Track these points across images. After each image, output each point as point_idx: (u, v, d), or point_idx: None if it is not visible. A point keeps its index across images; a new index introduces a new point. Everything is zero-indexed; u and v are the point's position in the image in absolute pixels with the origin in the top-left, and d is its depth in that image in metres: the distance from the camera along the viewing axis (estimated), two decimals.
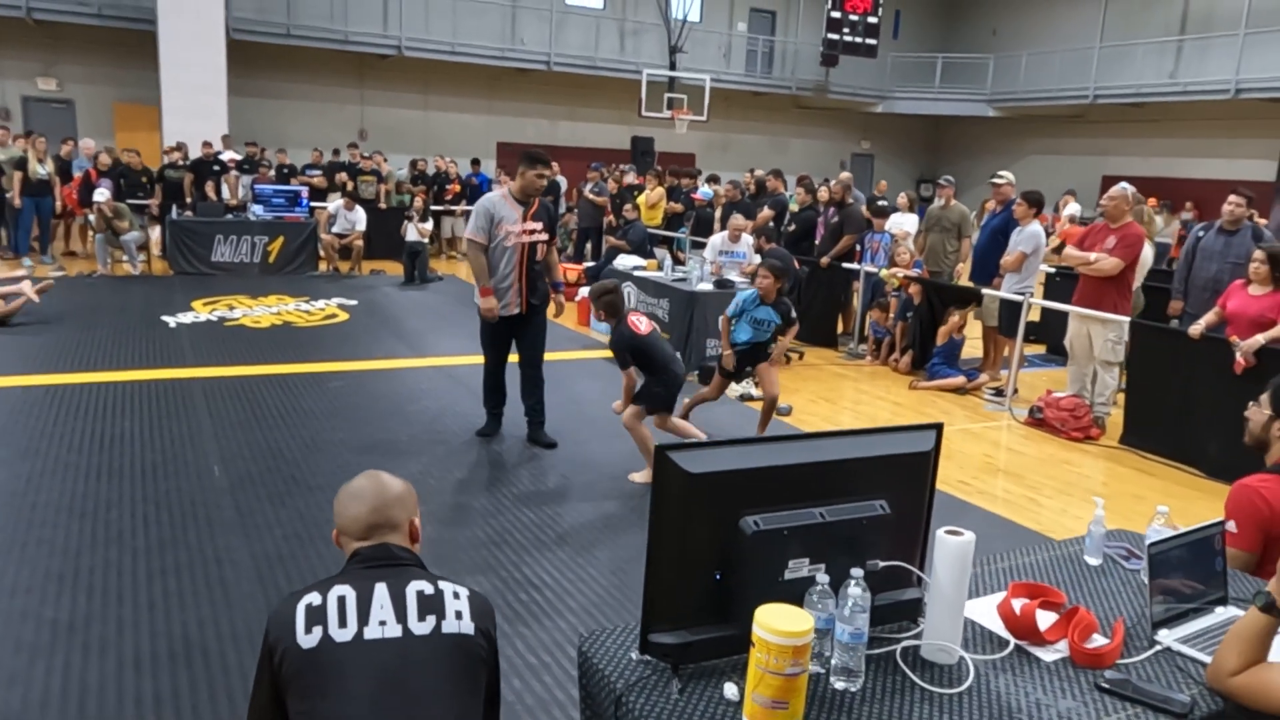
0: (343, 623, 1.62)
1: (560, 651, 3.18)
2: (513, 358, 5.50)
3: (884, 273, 8.51)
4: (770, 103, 22.44)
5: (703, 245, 9.05)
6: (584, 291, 8.79)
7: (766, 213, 9.96)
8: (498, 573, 3.80)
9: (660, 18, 19.97)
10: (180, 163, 12.97)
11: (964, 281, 8.08)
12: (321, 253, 12.17)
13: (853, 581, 1.69)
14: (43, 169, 11.55)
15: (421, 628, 1.65)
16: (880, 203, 9.89)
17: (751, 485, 1.76)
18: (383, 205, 13.89)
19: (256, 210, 11.89)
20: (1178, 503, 4.95)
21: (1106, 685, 1.76)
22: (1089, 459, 5.97)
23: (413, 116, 19.30)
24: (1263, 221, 8.58)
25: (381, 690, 1.58)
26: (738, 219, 8.45)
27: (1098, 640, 1.91)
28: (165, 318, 8.59)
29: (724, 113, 20.81)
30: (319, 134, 17.20)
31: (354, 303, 9.98)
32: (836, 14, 20.03)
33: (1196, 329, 5.73)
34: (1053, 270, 9.16)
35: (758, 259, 7.95)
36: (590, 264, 11.77)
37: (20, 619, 3.24)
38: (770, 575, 1.75)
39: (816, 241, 9.53)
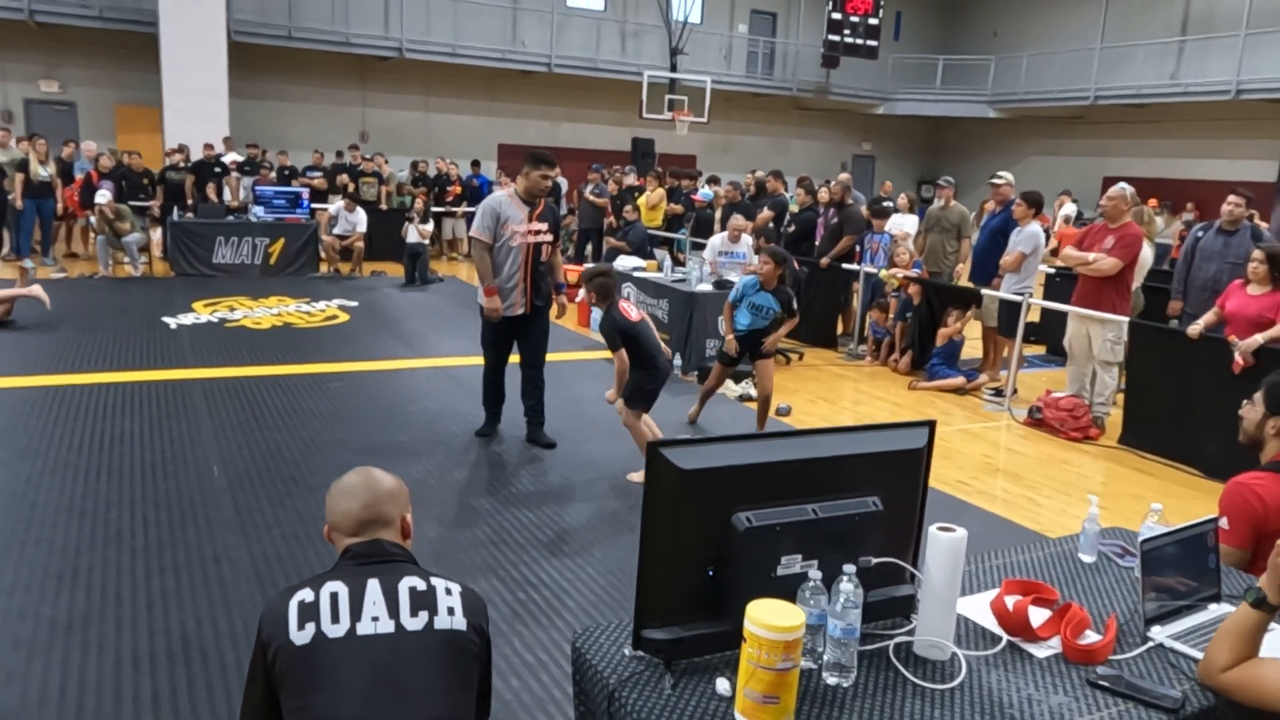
0: (335, 619, 1.63)
1: (558, 650, 3.19)
2: (513, 358, 5.51)
3: (883, 273, 8.52)
4: (771, 104, 22.45)
5: (703, 246, 9.05)
6: (584, 293, 8.80)
7: (766, 213, 9.97)
8: (496, 572, 3.81)
9: (661, 19, 19.99)
10: (181, 165, 13.00)
11: (963, 282, 8.08)
12: (322, 254, 12.20)
13: (845, 577, 1.70)
14: (44, 171, 11.57)
15: (414, 623, 1.66)
16: (885, 203, 9.90)
17: (744, 482, 1.76)
18: (383, 207, 13.92)
19: (257, 212, 11.92)
20: (1176, 502, 4.95)
21: (1098, 681, 1.76)
22: (1088, 459, 5.97)
23: (414, 118, 19.33)
24: (1264, 225, 8.58)
25: (374, 686, 1.59)
26: (738, 219, 8.45)
27: (1090, 636, 1.91)
28: (166, 319, 8.60)
29: (725, 114, 20.83)
30: (320, 136, 17.24)
31: (354, 304, 10.00)
32: (837, 15, 20.05)
33: (1195, 329, 5.73)
34: (1052, 271, 9.17)
35: (757, 260, 7.97)
36: (590, 265, 11.77)
37: (19, 617, 3.25)
38: (763, 571, 1.75)
39: (816, 242, 9.54)
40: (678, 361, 7.54)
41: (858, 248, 9.13)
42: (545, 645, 3.24)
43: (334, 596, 1.65)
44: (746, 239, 8.33)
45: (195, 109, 14.52)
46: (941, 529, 1.82)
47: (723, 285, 7.62)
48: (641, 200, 12.67)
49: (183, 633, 3.21)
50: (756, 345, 5.60)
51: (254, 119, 16.77)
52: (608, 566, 3.91)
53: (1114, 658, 1.87)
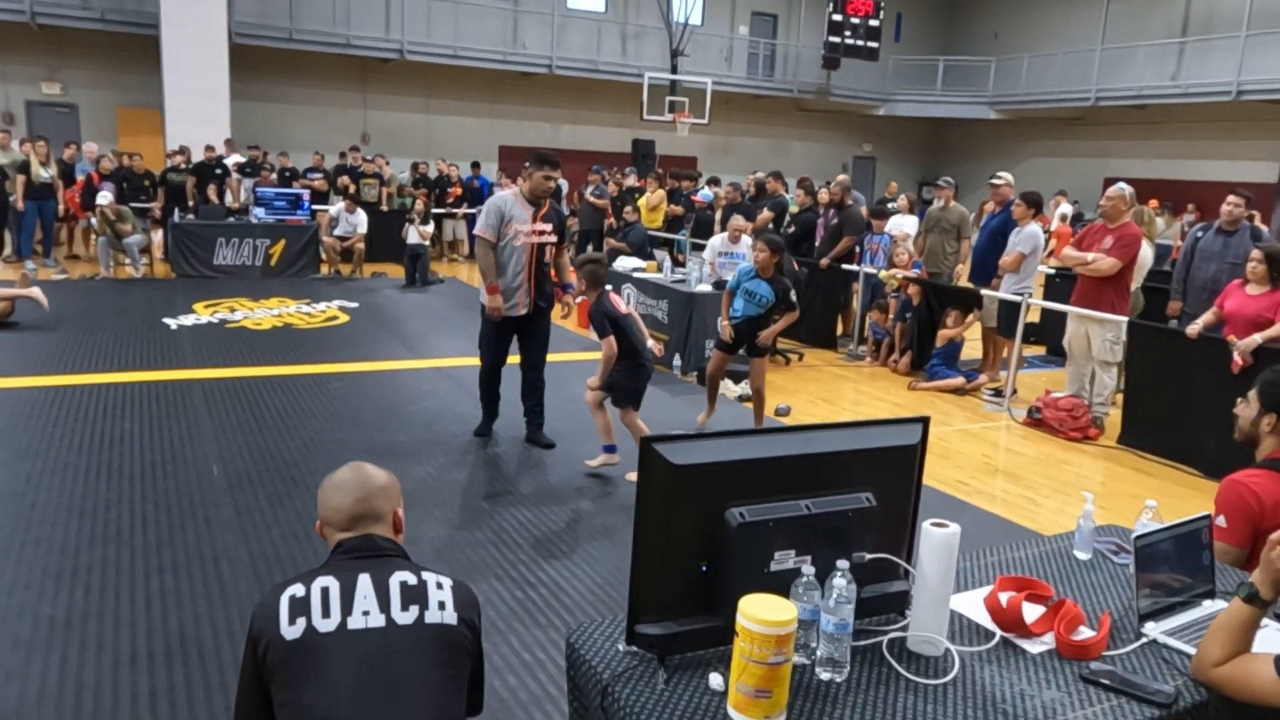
0: (326, 613, 1.63)
1: (555, 648, 3.19)
2: (513, 359, 5.50)
3: (883, 274, 8.52)
4: (772, 106, 22.47)
5: (702, 247, 9.06)
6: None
7: (766, 214, 9.98)
8: (494, 571, 3.82)
9: (662, 21, 20.01)
10: (182, 166, 13.02)
11: (963, 282, 8.08)
12: (323, 255, 12.22)
13: (838, 573, 1.70)
14: (45, 172, 11.60)
15: (405, 617, 1.66)
16: (890, 204, 9.92)
17: (737, 477, 1.76)
18: (384, 208, 13.94)
19: (258, 213, 11.94)
20: (1175, 502, 4.95)
21: (1091, 676, 1.77)
22: (1087, 459, 5.97)
23: (415, 120, 19.36)
24: (1264, 227, 8.59)
25: (365, 680, 1.59)
26: (738, 220, 8.46)
27: (1084, 632, 1.92)
28: (167, 320, 8.62)
29: (725, 116, 20.84)
30: (321, 137, 17.26)
31: (355, 305, 10.01)
32: (838, 17, 20.06)
33: (1194, 329, 5.73)
34: (1052, 271, 9.17)
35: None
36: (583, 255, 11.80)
37: (18, 616, 3.26)
38: (756, 567, 1.76)
39: (816, 243, 9.55)
40: (677, 362, 7.55)
41: (857, 248, 9.13)
42: (542, 643, 3.25)
43: (325, 591, 1.66)
44: (746, 240, 8.33)
45: (196, 111, 14.55)
46: (935, 524, 1.82)
47: (722, 286, 7.61)
48: (642, 201, 12.68)
49: (181, 631, 3.21)
50: (753, 337, 5.59)
51: (255, 121, 16.79)
52: (606, 565, 3.91)
53: (1108, 653, 1.87)
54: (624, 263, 9.29)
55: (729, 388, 7.00)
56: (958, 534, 1.82)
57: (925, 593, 1.84)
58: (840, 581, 1.70)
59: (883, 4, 20.63)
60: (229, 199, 13.13)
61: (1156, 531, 2.05)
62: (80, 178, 12.28)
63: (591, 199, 13.16)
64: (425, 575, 1.74)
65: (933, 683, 1.75)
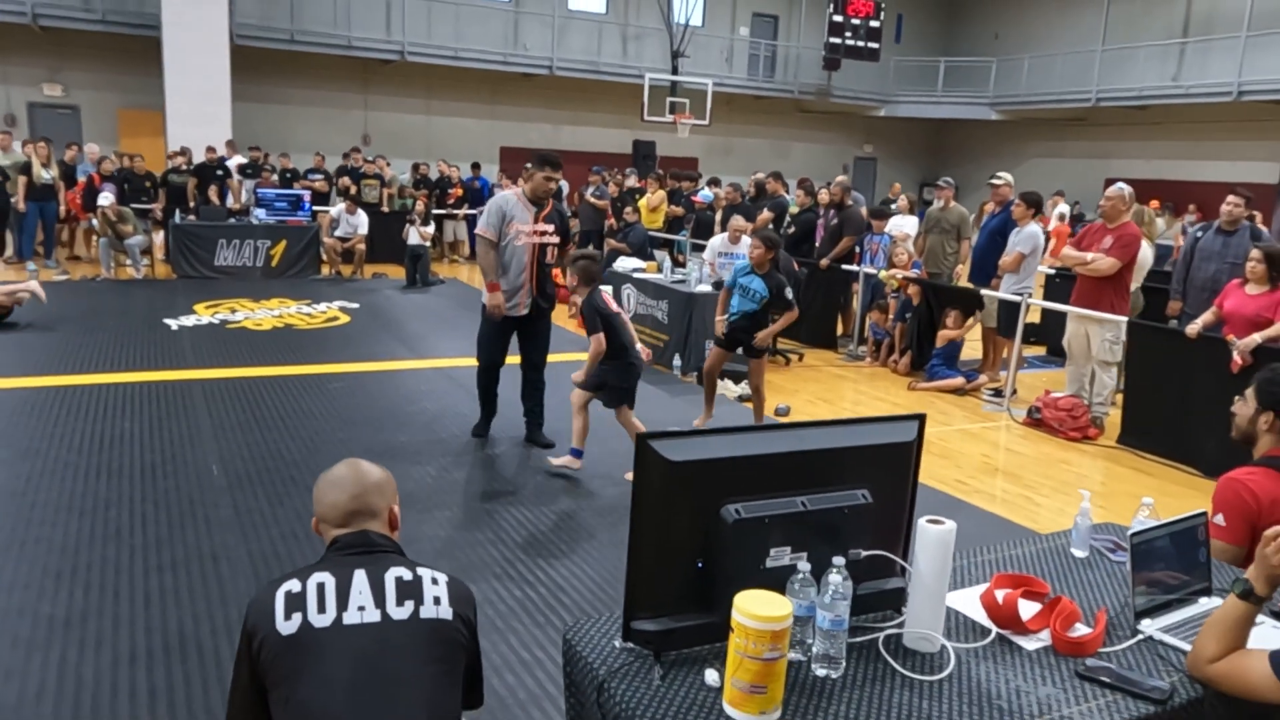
0: (322, 609, 1.64)
1: (553, 646, 3.19)
2: (513, 359, 5.50)
3: (883, 274, 8.52)
4: (772, 107, 22.48)
5: (703, 248, 9.06)
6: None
7: (766, 215, 9.98)
8: (493, 570, 3.82)
9: (662, 22, 20.02)
10: (184, 168, 13.04)
11: (963, 283, 8.08)
12: (324, 256, 12.23)
13: (833, 569, 1.71)
14: (47, 174, 11.61)
15: (400, 613, 1.67)
16: (894, 205, 9.92)
17: (733, 474, 1.77)
18: (385, 209, 13.95)
19: (259, 214, 11.95)
20: (1175, 501, 4.95)
21: (1087, 672, 1.77)
22: (1087, 459, 5.97)
23: (416, 121, 19.38)
24: (1265, 228, 8.59)
25: (360, 674, 1.60)
26: (738, 221, 8.46)
27: (1080, 629, 1.92)
28: (167, 320, 8.63)
29: (726, 117, 20.86)
30: (322, 139, 17.29)
31: (355, 306, 10.02)
32: (838, 18, 20.07)
33: (1194, 328, 5.73)
34: (1052, 271, 9.17)
35: None
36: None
37: (18, 614, 3.26)
38: (752, 563, 1.76)
39: (816, 244, 9.55)
40: (677, 362, 7.55)
41: (858, 249, 9.14)
42: (541, 642, 3.25)
43: (320, 587, 1.66)
44: (746, 240, 8.33)
45: (198, 112, 14.57)
46: (931, 521, 1.83)
47: (721, 286, 7.62)
48: (642, 202, 12.69)
49: (180, 629, 3.22)
50: (750, 335, 5.59)
51: (256, 122, 16.81)
52: (604, 565, 3.91)
53: (1103, 650, 1.87)
54: (624, 263, 9.30)
55: (729, 388, 7.01)
56: (953, 531, 1.82)
57: (921, 589, 1.85)
58: (836, 578, 1.70)
59: (883, 5, 20.65)
60: (230, 200, 13.15)
61: (1152, 529, 2.05)
62: (81, 179, 12.29)
63: (592, 200, 13.17)
64: (420, 571, 1.75)
65: (928, 679, 1.75)
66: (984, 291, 7.65)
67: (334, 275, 12.15)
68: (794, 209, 10.35)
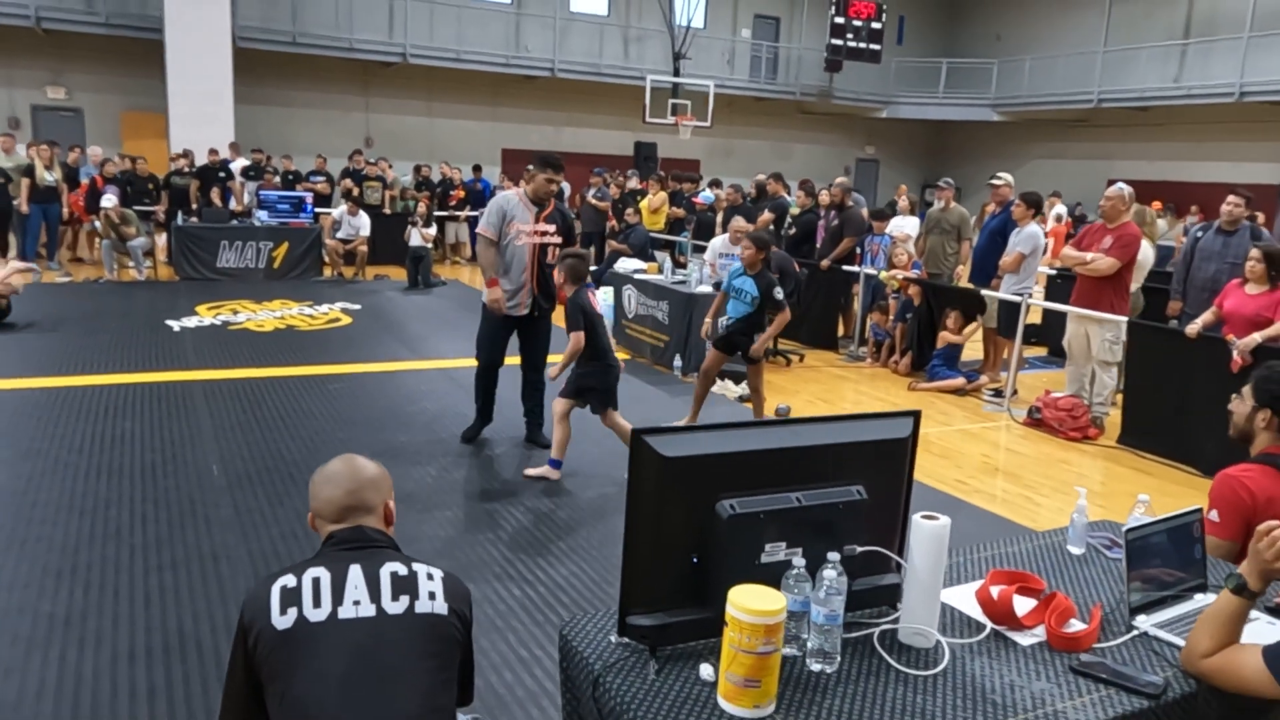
0: (317, 603, 1.65)
1: (552, 645, 3.20)
2: (513, 360, 5.51)
3: (883, 275, 8.53)
4: (774, 108, 22.49)
5: (704, 249, 9.07)
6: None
7: (767, 215, 9.99)
8: (491, 569, 3.83)
9: (664, 24, 20.03)
10: (186, 170, 13.07)
11: (963, 283, 8.08)
12: (326, 258, 12.25)
13: (828, 564, 1.71)
14: (50, 176, 11.64)
15: (395, 607, 1.67)
16: (897, 205, 9.93)
17: (728, 469, 1.78)
18: (387, 211, 13.97)
19: (261, 216, 11.97)
20: (1175, 501, 4.94)
21: (1081, 667, 1.77)
22: (1087, 459, 5.97)
23: (417, 123, 19.40)
24: (1267, 230, 8.58)
25: (355, 668, 1.60)
26: (739, 222, 8.47)
27: (1075, 625, 1.92)
28: (169, 322, 8.65)
29: (728, 119, 20.87)
30: (324, 141, 17.31)
31: (357, 307, 10.04)
32: (840, 20, 20.08)
33: (1193, 328, 5.73)
34: (1053, 272, 9.16)
35: None
36: (593, 268, 11.81)
37: (18, 613, 3.27)
38: (747, 559, 1.77)
39: (817, 245, 9.56)
40: (678, 363, 7.56)
41: (859, 250, 9.14)
42: (539, 640, 3.26)
43: (316, 582, 1.67)
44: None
45: (200, 115, 14.60)
46: (925, 517, 1.83)
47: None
48: (644, 204, 12.70)
49: (180, 628, 3.23)
50: (747, 339, 5.60)
51: (259, 124, 16.84)
52: (603, 564, 3.92)
53: (1098, 646, 1.88)
54: (625, 264, 9.32)
55: (729, 388, 7.01)
56: (948, 526, 1.83)
57: (916, 585, 1.85)
58: (830, 573, 1.71)
59: (885, 7, 20.66)
60: (233, 202, 13.17)
61: (1147, 525, 2.06)
62: (84, 181, 12.33)
63: (593, 201, 13.19)
64: (415, 566, 1.76)
65: (923, 674, 1.75)
66: (984, 292, 7.65)
67: (336, 277, 12.18)
68: (795, 210, 10.36)
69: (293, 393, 6.40)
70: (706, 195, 12.47)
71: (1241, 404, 2.56)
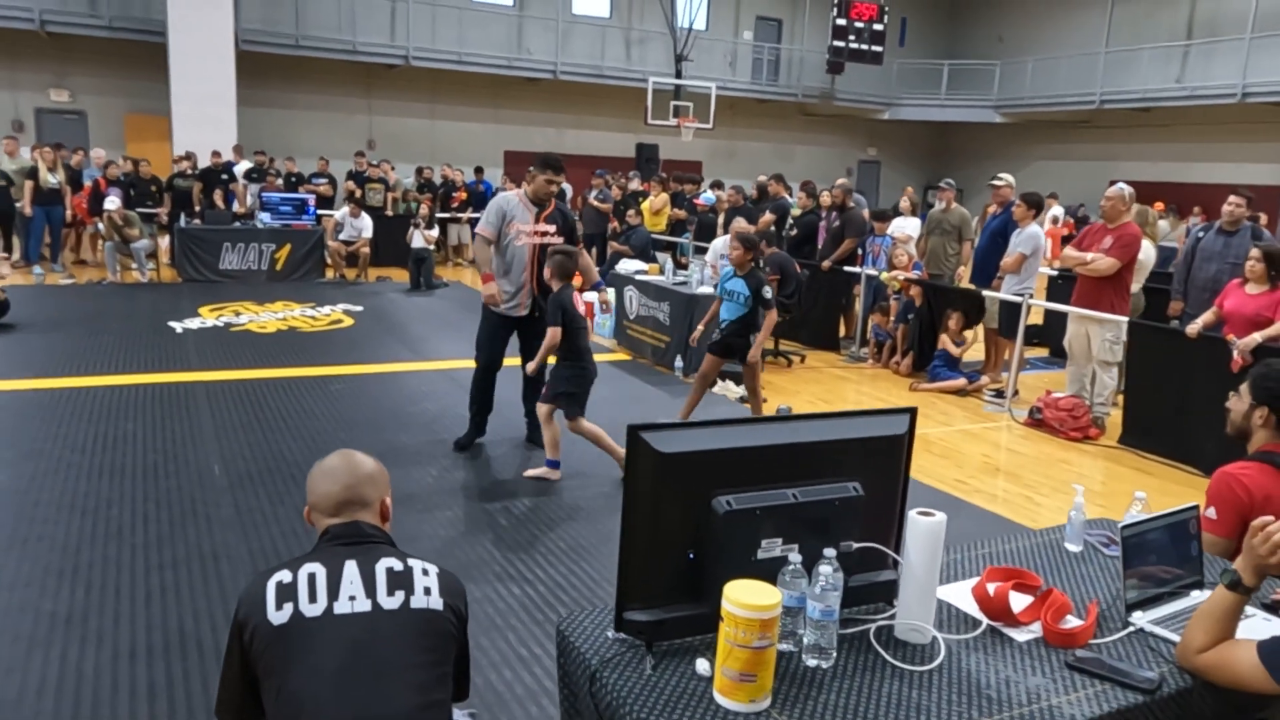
0: (313, 598, 1.65)
1: (551, 644, 3.20)
2: (513, 362, 5.51)
3: (884, 276, 8.53)
4: (776, 110, 22.50)
5: (705, 250, 9.08)
6: (588, 296, 8.83)
7: (768, 216, 10.00)
8: (492, 568, 3.84)
9: (666, 26, 20.06)
10: (189, 172, 13.10)
11: (965, 284, 8.08)
12: (328, 260, 12.27)
13: (824, 560, 1.72)
14: (53, 178, 11.68)
15: (390, 602, 1.68)
16: (901, 206, 9.94)
17: (724, 465, 1.78)
18: (389, 213, 14.00)
19: (264, 218, 12.00)
20: (1175, 501, 4.90)
21: (1077, 663, 1.78)
22: (1087, 459, 5.97)
23: (420, 125, 19.43)
24: (1269, 232, 8.57)
25: (350, 663, 1.61)
26: (740, 223, 8.47)
27: (1071, 621, 1.93)
28: (172, 323, 8.67)
29: (730, 120, 20.89)
30: (327, 143, 17.34)
31: (360, 308, 10.06)
32: (842, 21, 20.09)
33: (1194, 328, 5.73)
34: (1054, 273, 9.16)
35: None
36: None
37: (19, 611, 3.28)
38: (743, 555, 1.77)
39: (819, 246, 9.56)
40: (679, 363, 7.56)
41: (860, 251, 9.15)
42: (539, 638, 3.26)
43: (311, 577, 1.68)
44: None
45: (203, 117, 14.64)
46: (921, 514, 1.84)
47: None
48: (645, 205, 12.71)
49: (180, 627, 3.24)
50: (741, 338, 5.60)
51: (261, 126, 16.89)
52: (602, 563, 3.92)
53: (1094, 641, 1.88)
54: (626, 265, 9.33)
55: (729, 388, 7.02)
56: (943, 522, 1.83)
57: (912, 581, 1.85)
58: (826, 569, 1.71)
59: (887, 8, 20.67)
60: (235, 204, 13.20)
61: (1143, 521, 2.06)
62: (88, 183, 12.36)
63: (595, 203, 13.20)
64: (411, 562, 1.76)
65: (919, 669, 1.76)
66: (985, 292, 7.65)
67: (338, 278, 12.20)
68: (796, 211, 10.37)
69: (294, 393, 6.42)
70: (708, 197, 12.48)
71: (1239, 402, 2.57)
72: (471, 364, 5.50)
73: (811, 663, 1.75)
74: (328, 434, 5.55)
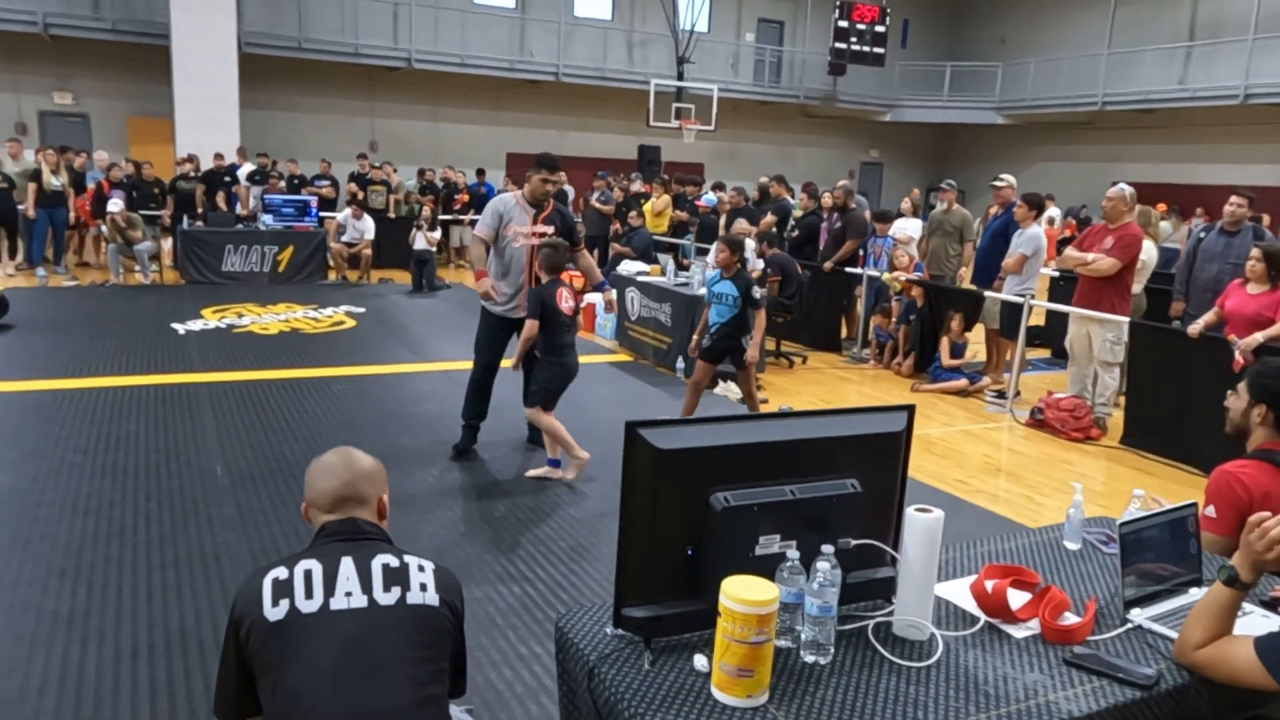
0: (309, 595, 1.66)
1: (551, 643, 3.20)
2: (507, 363, 5.51)
3: (886, 277, 8.53)
4: (778, 112, 22.51)
5: (707, 251, 9.09)
6: (589, 297, 8.85)
7: (770, 218, 10.01)
8: (493, 568, 3.84)
9: (668, 28, 20.08)
10: (192, 174, 13.13)
11: (966, 285, 8.08)
12: (330, 261, 12.29)
13: (822, 557, 1.72)
14: (56, 181, 11.71)
15: (387, 599, 1.69)
16: (902, 207, 9.95)
17: (721, 462, 1.78)
18: (391, 215, 14.02)
19: (266, 220, 12.02)
20: (1176, 501, 4.94)
21: (1074, 659, 1.78)
22: (1089, 459, 5.97)
23: (422, 128, 19.46)
24: (1271, 233, 8.56)
25: (346, 659, 1.61)
26: (741, 224, 8.50)
27: (1069, 618, 1.93)
28: (175, 325, 8.69)
29: (732, 122, 20.89)
30: (329, 145, 17.37)
31: (362, 310, 10.07)
32: (844, 23, 20.11)
33: (1195, 328, 5.73)
34: (1056, 274, 9.16)
35: (760, 263, 7.99)
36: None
37: (21, 610, 3.29)
38: (741, 551, 1.78)
39: (820, 247, 9.57)
40: (680, 364, 7.57)
41: (861, 252, 9.15)
42: (539, 637, 3.27)
43: (308, 573, 1.68)
44: (750, 243, 8.36)
45: (206, 120, 14.67)
46: (919, 510, 1.84)
47: None
48: (647, 207, 12.73)
49: (182, 626, 3.25)
50: (733, 340, 5.59)
51: (264, 129, 16.91)
52: (603, 563, 3.92)
53: (1092, 638, 1.88)
54: (628, 266, 9.34)
55: (730, 390, 7.02)
56: (941, 519, 1.84)
57: (910, 578, 1.86)
58: (824, 565, 1.72)
59: (889, 10, 20.67)
60: (238, 206, 13.22)
61: (1141, 519, 2.07)
62: (91, 186, 12.39)
63: (597, 205, 13.21)
64: (407, 558, 1.77)
65: (916, 665, 1.76)
66: (986, 293, 7.65)
67: (340, 280, 12.22)
68: (797, 212, 10.38)
69: (296, 395, 6.43)
70: (709, 198, 12.49)
71: (1238, 400, 2.57)
72: (473, 365, 5.51)
73: (809, 659, 1.75)
74: (329, 435, 5.56)
